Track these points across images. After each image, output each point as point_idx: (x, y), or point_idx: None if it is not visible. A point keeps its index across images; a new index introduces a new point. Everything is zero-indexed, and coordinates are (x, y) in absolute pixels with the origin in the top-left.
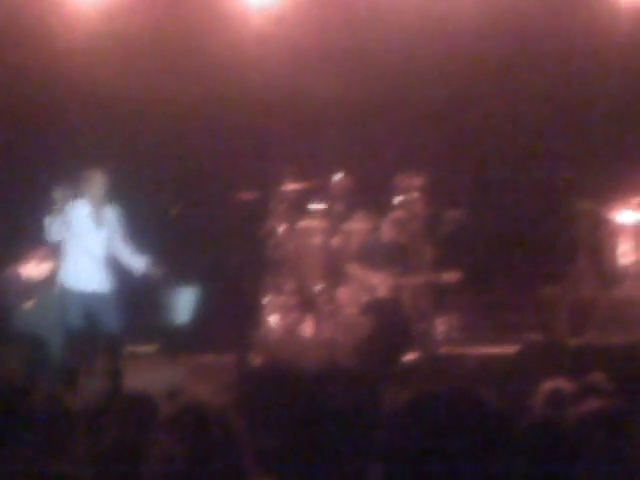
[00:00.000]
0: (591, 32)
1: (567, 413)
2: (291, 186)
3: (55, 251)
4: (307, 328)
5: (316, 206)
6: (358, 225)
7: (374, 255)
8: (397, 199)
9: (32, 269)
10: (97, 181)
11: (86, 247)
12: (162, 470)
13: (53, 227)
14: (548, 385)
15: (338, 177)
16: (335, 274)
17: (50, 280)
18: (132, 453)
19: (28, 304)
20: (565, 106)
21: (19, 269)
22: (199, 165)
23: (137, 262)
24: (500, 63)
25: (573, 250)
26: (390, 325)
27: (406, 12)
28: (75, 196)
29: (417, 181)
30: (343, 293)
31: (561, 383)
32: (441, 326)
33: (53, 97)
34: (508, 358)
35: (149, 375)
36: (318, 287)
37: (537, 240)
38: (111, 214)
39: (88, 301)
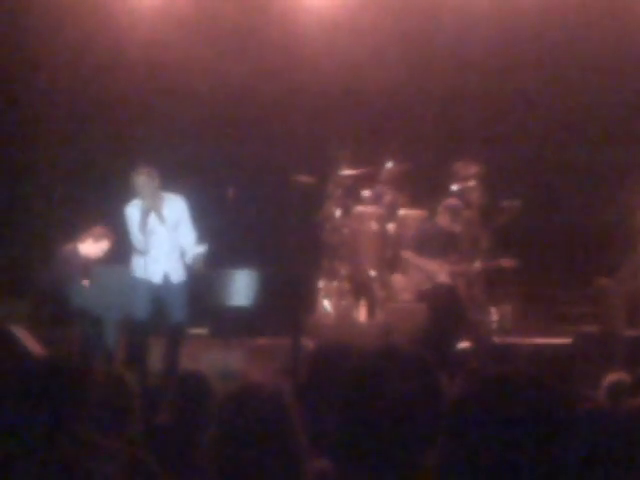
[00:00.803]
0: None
1: (626, 404)
2: (348, 171)
3: (111, 231)
4: (361, 313)
5: (372, 192)
6: (414, 212)
7: (429, 242)
8: (454, 186)
9: (89, 247)
10: (150, 174)
11: (152, 238)
12: (216, 450)
13: (126, 214)
14: (609, 377)
15: (395, 163)
16: (390, 260)
17: (107, 259)
18: (187, 432)
19: (86, 283)
20: (622, 93)
21: (76, 247)
22: (257, 148)
23: (196, 249)
24: (557, 50)
25: (630, 241)
26: (445, 313)
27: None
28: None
29: (474, 169)
30: (398, 279)
31: (622, 376)
32: (495, 315)
33: (118, 82)
34: (562, 349)
35: (203, 357)
36: (373, 273)
37: (593, 230)
38: (172, 203)
39: (155, 290)
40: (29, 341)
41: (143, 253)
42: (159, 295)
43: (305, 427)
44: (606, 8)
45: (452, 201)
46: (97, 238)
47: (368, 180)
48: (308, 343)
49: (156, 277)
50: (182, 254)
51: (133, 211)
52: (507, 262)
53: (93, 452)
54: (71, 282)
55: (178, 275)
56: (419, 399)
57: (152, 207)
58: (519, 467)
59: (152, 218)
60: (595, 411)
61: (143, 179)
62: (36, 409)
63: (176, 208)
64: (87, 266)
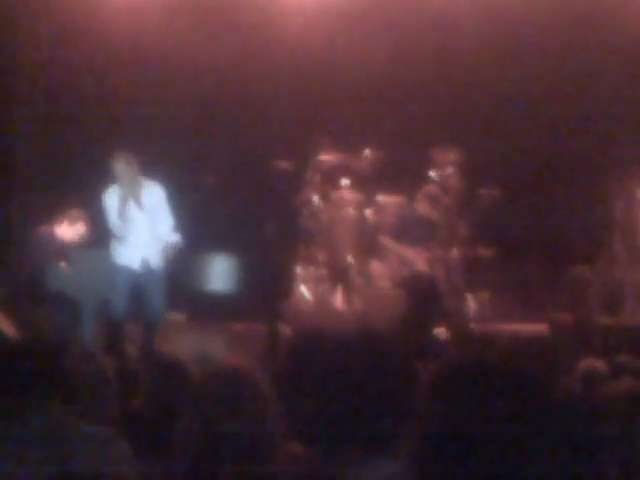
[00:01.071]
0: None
1: (599, 392)
2: (327, 157)
3: (88, 214)
4: (338, 300)
5: (351, 178)
6: (392, 198)
7: (407, 229)
8: (432, 173)
9: (65, 230)
10: (129, 160)
11: (131, 225)
12: (192, 433)
13: (105, 201)
14: (583, 364)
15: (373, 150)
16: (368, 247)
17: (83, 242)
18: (163, 416)
19: (63, 265)
20: (601, 84)
21: (53, 229)
22: (235, 134)
23: (173, 236)
24: (536, 39)
25: (606, 230)
26: (423, 299)
27: None
28: (127, 168)
29: (453, 155)
30: (376, 266)
31: (595, 362)
32: (473, 302)
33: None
34: (538, 336)
35: (180, 342)
36: (351, 259)
37: (571, 219)
38: (151, 190)
39: (134, 276)
40: (3, 323)
41: (121, 239)
42: (138, 281)
43: (281, 412)
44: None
45: (431, 188)
46: (73, 221)
47: (348, 166)
48: (285, 329)
49: (135, 263)
50: (159, 241)
51: (112, 197)
52: (485, 251)
53: (67, 433)
54: (48, 265)
55: (156, 261)
56: (394, 384)
57: (131, 194)
58: (493, 453)
59: (131, 205)
60: (570, 398)
61: (122, 165)
62: (10, 390)
63: (154, 195)
64: (63, 249)
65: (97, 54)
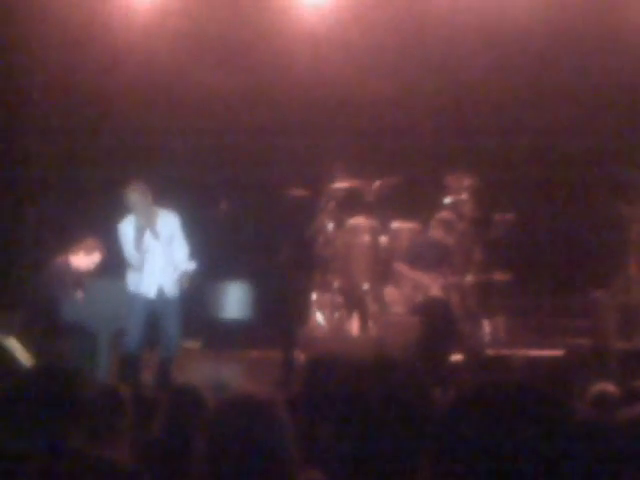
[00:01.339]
0: None
1: (613, 416)
2: (341, 184)
3: (103, 243)
4: (353, 326)
5: (365, 205)
6: (407, 224)
7: (422, 255)
8: (447, 199)
9: (81, 259)
10: (143, 190)
11: (147, 254)
12: (207, 461)
13: (120, 231)
14: (595, 388)
15: (387, 177)
16: (383, 273)
17: (98, 272)
18: (180, 444)
19: (78, 295)
20: (619, 109)
21: (68, 259)
22: (250, 162)
23: (185, 266)
24: (552, 65)
25: (623, 254)
26: (438, 325)
27: (461, 13)
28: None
29: (467, 181)
30: (390, 292)
31: (608, 387)
32: (488, 327)
33: (112, 95)
34: (555, 361)
35: (196, 370)
36: (365, 285)
37: (587, 244)
38: (166, 219)
39: (150, 305)
40: (20, 353)
41: (138, 270)
42: (153, 309)
43: (297, 438)
44: (599, 10)
45: (445, 214)
46: (89, 250)
47: (362, 192)
48: (300, 356)
49: (151, 292)
50: (175, 269)
51: (127, 228)
52: (500, 275)
53: (85, 464)
54: (63, 295)
55: (172, 289)
56: (411, 411)
57: (146, 224)
58: (511, 478)
59: (146, 234)
60: (587, 423)
61: (136, 195)
62: (27, 420)
63: (169, 224)
64: (79, 279)
65: (112, 83)
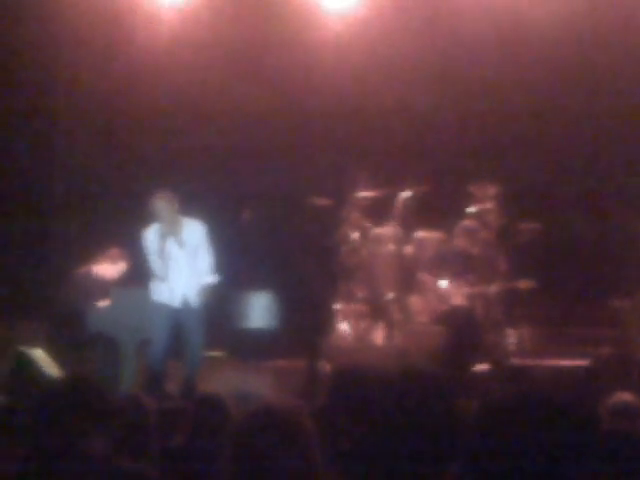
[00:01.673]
0: None
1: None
2: (365, 193)
3: (128, 253)
4: (378, 336)
5: (389, 214)
6: (431, 234)
7: (446, 264)
8: (471, 208)
9: (106, 269)
10: (169, 199)
11: (171, 263)
12: (233, 471)
13: (145, 239)
14: (615, 398)
15: (411, 186)
16: (407, 282)
17: (123, 281)
18: (204, 453)
19: (103, 304)
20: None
21: (91, 269)
22: (273, 171)
23: (207, 279)
24: (579, 72)
25: None
26: (463, 335)
27: (484, 21)
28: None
29: (492, 190)
30: (415, 301)
31: (628, 396)
32: (513, 337)
33: (136, 106)
34: (580, 371)
35: (221, 380)
36: (390, 295)
37: (611, 253)
38: (191, 228)
39: (174, 314)
40: (46, 363)
41: (162, 278)
42: (178, 319)
43: (323, 449)
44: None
45: (469, 223)
46: (113, 260)
47: (386, 201)
48: (325, 366)
49: (175, 302)
50: (199, 279)
51: (151, 236)
52: (525, 284)
53: (110, 473)
54: (89, 304)
55: (197, 299)
56: (436, 421)
57: (171, 232)
58: None
59: (171, 243)
60: (613, 433)
61: (162, 204)
62: (53, 430)
63: (195, 233)
64: (104, 288)
65: (137, 94)
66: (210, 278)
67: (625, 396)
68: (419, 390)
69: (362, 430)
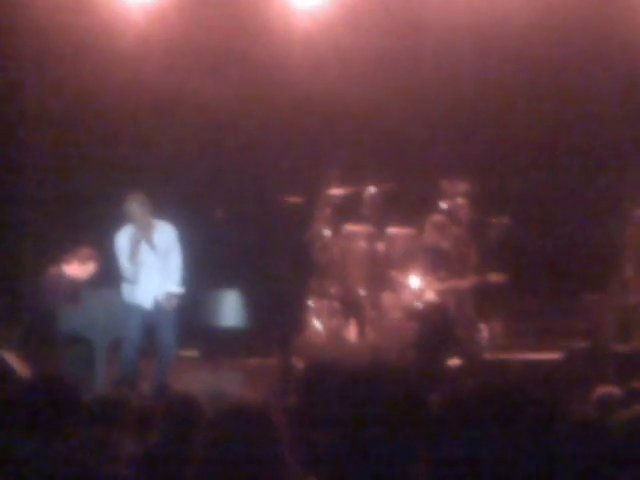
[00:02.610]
0: None
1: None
2: (337, 190)
3: (100, 253)
4: (351, 332)
5: (361, 211)
6: (403, 230)
7: (417, 259)
8: (442, 204)
9: (76, 269)
10: (141, 201)
11: (142, 266)
12: (205, 468)
13: (117, 241)
14: (599, 390)
15: (382, 183)
16: (380, 279)
17: (95, 281)
18: (177, 451)
19: (75, 305)
20: (612, 113)
21: (62, 270)
22: (245, 169)
23: (172, 289)
24: (546, 67)
25: (619, 256)
26: (435, 330)
27: (456, 17)
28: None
29: (462, 186)
30: (388, 298)
31: (611, 389)
32: (486, 332)
33: (106, 106)
34: (553, 364)
35: (194, 379)
36: (363, 292)
37: (583, 246)
38: (163, 230)
39: (146, 314)
40: (18, 365)
41: (133, 281)
42: (150, 319)
43: (295, 445)
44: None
45: (437, 217)
46: (83, 260)
47: (358, 198)
48: (298, 363)
49: (147, 303)
50: (171, 278)
51: (123, 239)
52: (496, 277)
53: (81, 472)
54: (59, 305)
55: (168, 298)
56: (407, 415)
57: (143, 235)
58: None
59: (143, 246)
60: (585, 424)
61: (135, 206)
62: (25, 430)
63: (166, 235)
64: (75, 288)
65: (106, 94)
66: (176, 288)
67: (610, 389)
68: (391, 385)
69: (334, 426)
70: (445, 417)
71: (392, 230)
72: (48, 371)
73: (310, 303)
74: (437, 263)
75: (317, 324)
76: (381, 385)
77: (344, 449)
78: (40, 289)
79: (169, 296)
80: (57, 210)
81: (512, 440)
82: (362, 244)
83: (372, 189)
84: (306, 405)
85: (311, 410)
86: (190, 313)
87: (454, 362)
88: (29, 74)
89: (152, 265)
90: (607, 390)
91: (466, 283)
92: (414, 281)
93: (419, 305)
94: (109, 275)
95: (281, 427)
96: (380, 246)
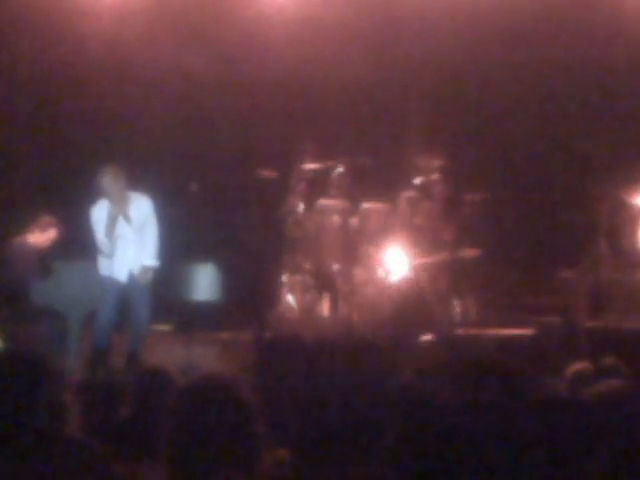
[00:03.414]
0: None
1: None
2: (311, 165)
3: (70, 223)
4: (324, 307)
5: (335, 186)
6: (377, 205)
7: (390, 234)
8: (417, 180)
9: (37, 237)
10: (117, 174)
11: (118, 239)
12: (174, 441)
13: (92, 216)
14: (573, 367)
15: (357, 157)
16: (353, 254)
17: (67, 253)
18: (150, 427)
19: (48, 279)
20: (585, 90)
21: (25, 239)
22: (219, 143)
23: (148, 262)
24: (521, 43)
25: (593, 233)
26: (408, 305)
27: None
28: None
29: (437, 162)
30: (361, 273)
31: (585, 365)
32: (459, 307)
33: (78, 78)
34: (525, 340)
35: (167, 352)
36: (336, 267)
37: (557, 223)
38: (139, 203)
39: (120, 288)
40: None
41: (109, 255)
42: (124, 293)
43: (265, 418)
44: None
45: (409, 193)
46: (43, 227)
47: (332, 174)
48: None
49: (122, 276)
50: (146, 252)
51: (99, 213)
52: (470, 252)
53: (53, 445)
54: (27, 275)
55: (143, 272)
56: (380, 390)
57: (119, 208)
58: (476, 455)
59: (119, 218)
60: (557, 399)
61: (110, 179)
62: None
63: (142, 208)
64: (42, 258)
65: (81, 68)
66: (151, 261)
67: (583, 365)
68: (364, 359)
69: (306, 399)
70: (417, 391)
71: (366, 205)
72: (21, 344)
73: (283, 278)
74: (410, 238)
75: (290, 299)
76: (356, 359)
77: (316, 422)
78: (6, 260)
79: (144, 269)
80: (21, 181)
81: (484, 416)
82: (335, 219)
83: (340, 169)
84: (277, 378)
85: (282, 383)
86: (163, 286)
87: (427, 337)
88: (3, 45)
89: (128, 238)
90: (580, 366)
91: (440, 259)
92: (388, 256)
93: (392, 280)
94: (82, 247)
95: (249, 400)
96: (354, 221)
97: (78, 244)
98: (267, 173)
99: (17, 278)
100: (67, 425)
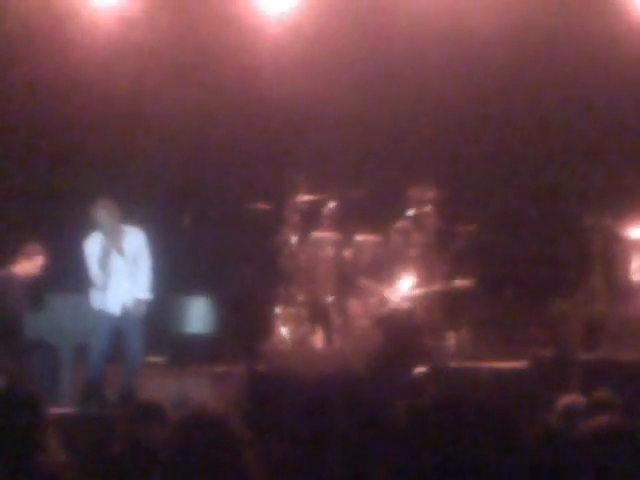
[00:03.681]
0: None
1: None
2: (304, 197)
3: (42, 247)
4: (318, 340)
5: (328, 218)
6: (370, 237)
7: (383, 266)
8: (410, 212)
9: (24, 267)
10: (110, 208)
11: (112, 272)
12: (169, 474)
13: (86, 248)
14: (564, 399)
15: (351, 189)
16: (347, 286)
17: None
18: (143, 461)
19: (39, 312)
20: (579, 121)
21: (12, 270)
22: (213, 175)
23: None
24: (517, 73)
25: (586, 265)
26: (401, 337)
27: (427, 24)
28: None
29: (430, 194)
30: (354, 305)
31: (576, 398)
32: (452, 339)
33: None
34: (519, 373)
35: (160, 385)
36: (330, 299)
37: (550, 255)
38: (132, 236)
39: (114, 320)
40: None
41: (102, 289)
42: (118, 326)
43: (258, 453)
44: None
45: (402, 223)
46: (29, 256)
47: (325, 206)
48: (264, 370)
49: (115, 310)
50: (139, 285)
51: (93, 246)
52: (463, 283)
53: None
54: (17, 307)
55: (136, 305)
56: (373, 423)
57: (112, 241)
58: None
59: (112, 252)
60: (549, 433)
61: (104, 213)
62: None
63: (136, 242)
64: (31, 287)
65: (75, 101)
66: (145, 294)
67: (574, 398)
68: (357, 393)
69: (299, 434)
70: (409, 425)
71: (359, 237)
72: (14, 378)
73: (277, 310)
74: (403, 270)
75: (284, 331)
76: (348, 393)
77: (309, 457)
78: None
79: (137, 302)
80: (25, 214)
81: (476, 449)
82: (329, 251)
83: (333, 201)
84: (263, 412)
85: (275, 417)
86: (157, 319)
87: (420, 370)
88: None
89: (121, 271)
90: (572, 399)
91: (433, 290)
92: (381, 288)
93: (386, 312)
94: (75, 280)
95: (240, 434)
96: (347, 253)
97: (71, 276)
98: (260, 205)
99: (7, 310)
100: (55, 459)
